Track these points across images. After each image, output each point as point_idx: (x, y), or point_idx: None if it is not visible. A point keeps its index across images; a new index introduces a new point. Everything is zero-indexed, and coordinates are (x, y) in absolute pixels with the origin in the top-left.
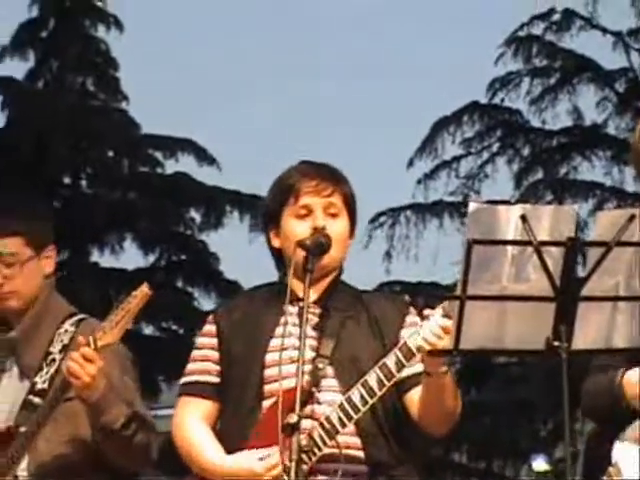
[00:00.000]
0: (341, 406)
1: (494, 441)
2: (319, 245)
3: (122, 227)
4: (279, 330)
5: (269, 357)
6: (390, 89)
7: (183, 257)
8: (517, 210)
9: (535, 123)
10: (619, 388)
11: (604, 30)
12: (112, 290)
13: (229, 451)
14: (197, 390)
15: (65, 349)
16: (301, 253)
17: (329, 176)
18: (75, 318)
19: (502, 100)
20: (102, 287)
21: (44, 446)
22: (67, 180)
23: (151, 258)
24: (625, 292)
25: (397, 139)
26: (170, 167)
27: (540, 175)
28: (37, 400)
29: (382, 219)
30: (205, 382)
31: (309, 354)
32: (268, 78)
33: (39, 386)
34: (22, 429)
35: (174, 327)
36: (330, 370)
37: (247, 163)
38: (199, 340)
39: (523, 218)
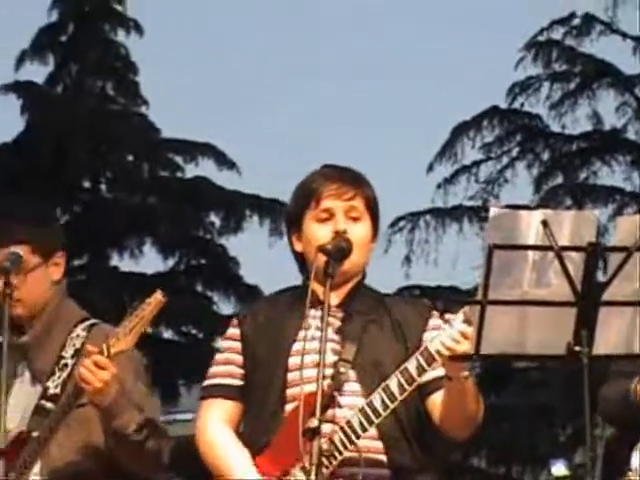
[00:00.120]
0: (362, 410)
1: (513, 446)
2: (340, 250)
3: (142, 231)
4: (302, 334)
5: (292, 361)
6: (412, 93)
7: (203, 261)
8: (538, 215)
9: (555, 128)
10: (635, 395)
11: (624, 35)
12: (130, 294)
13: (252, 454)
14: (220, 392)
15: (77, 354)
16: (322, 257)
17: (351, 179)
18: (87, 323)
19: (522, 105)
20: (121, 291)
21: (56, 452)
22: (87, 184)
23: (171, 262)
24: None
25: (417, 143)
26: (190, 171)
27: (560, 180)
28: (49, 405)
29: (402, 224)
30: (228, 385)
31: (331, 358)
32: (288, 80)
33: (51, 391)
34: (34, 434)
35: (194, 331)
36: (352, 374)
37: (267, 167)
38: (222, 343)
39: (544, 223)
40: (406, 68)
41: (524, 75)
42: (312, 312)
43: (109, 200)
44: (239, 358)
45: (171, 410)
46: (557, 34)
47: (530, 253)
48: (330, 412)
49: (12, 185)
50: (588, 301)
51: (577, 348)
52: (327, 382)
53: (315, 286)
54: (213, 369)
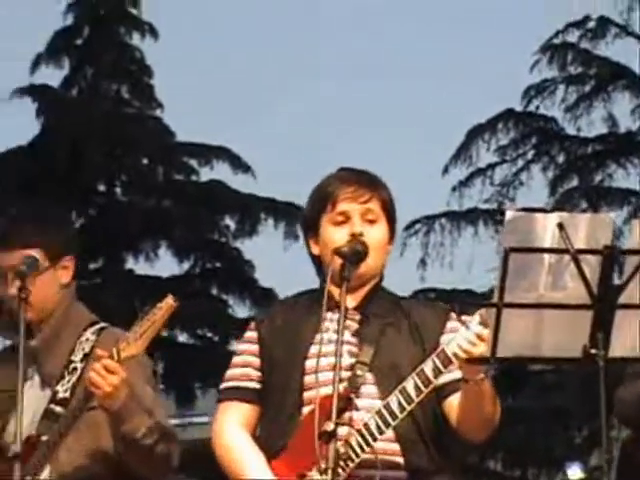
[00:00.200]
0: (379, 413)
1: (529, 449)
2: (356, 253)
3: (157, 235)
4: (319, 337)
5: (309, 363)
6: (429, 96)
7: (218, 265)
8: (554, 218)
9: (570, 130)
10: None
11: (639, 37)
12: (145, 298)
13: (268, 457)
14: (237, 395)
15: (86, 358)
16: (338, 260)
17: (367, 182)
18: (96, 327)
19: (537, 107)
20: (136, 295)
21: (65, 456)
22: (102, 188)
23: (186, 266)
24: None
25: (432, 146)
26: (205, 175)
27: (575, 183)
28: (58, 409)
29: (417, 227)
30: (246, 387)
31: (349, 361)
32: (302, 82)
33: (60, 395)
34: (44, 438)
35: (209, 335)
36: (370, 377)
37: (282, 170)
38: (240, 346)
39: (560, 226)
40: (422, 70)
41: (539, 78)
42: (329, 315)
43: (124, 203)
44: (256, 361)
45: (187, 413)
46: (572, 37)
47: (546, 256)
48: (347, 415)
49: (27, 188)
50: (604, 304)
51: (593, 351)
52: (344, 385)
53: (332, 289)
54: (230, 372)
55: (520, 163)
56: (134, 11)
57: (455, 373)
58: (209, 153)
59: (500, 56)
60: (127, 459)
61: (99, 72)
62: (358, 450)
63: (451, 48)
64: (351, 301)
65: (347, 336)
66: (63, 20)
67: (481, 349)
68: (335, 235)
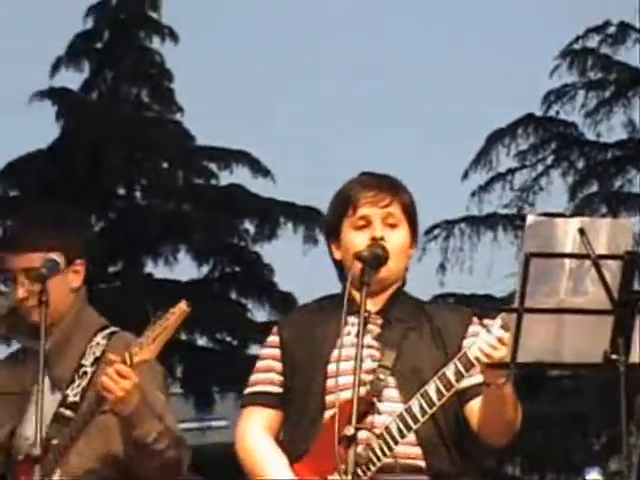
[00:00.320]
0: (400, 416)
1: (547, 454)
2: (376, 257)
3: (176, 238)
4: (340, 341)
5: (331, 367)
6: (449, 101)
7: (237, 268)
8: (575, 223)
9: (590, 136)
10: None
11: None
12: (164, 302)
13: (291, 461)
14: (261, 400)
15: (97, 362)
16: (359, 265)
17: (388, 186)
18: (107, 331)
19: (557, 113)
20: (155, 298)
21: (76, 460)
22: (121, 191)
23: (205, 269)
24: None
25: (452, 151)
26: (224, 179)
27: (595, 188)
28: (68, 413)
29: (436, 231)
30: (269, 392)
31: (370, 365)
32: (321, 84)
33: (71, 399)
34: (54, 442)
35: (228, 339)
36: (392, 381)
37: (301, 174)
38: (262, 351)
39: (581, 231)
40: (444, 75)
41: (559, 83)
42: (351, 319)
43: (144, 207)
44: (279, 365)
45: (205, 417)
46: (592, 42)
47: (567, 261)
48: (369, 418)
49: (47, 192)
50: (625, 309)
51: (614, 356)
52: (366, 388)
53: (354, 293)
54: (253, 377)
55: (540, 168)
56: (154, 15)
57: (477, 377)
58: (229, 157)
59: (520, 61)
60: (137, 464)
61: (119, 76)
62: (380, 454)
63: (472, 53)
64: (373, 305)
65: (369, 340)
66: (83, 23)
67: (502, 353)
68: (356, 239)
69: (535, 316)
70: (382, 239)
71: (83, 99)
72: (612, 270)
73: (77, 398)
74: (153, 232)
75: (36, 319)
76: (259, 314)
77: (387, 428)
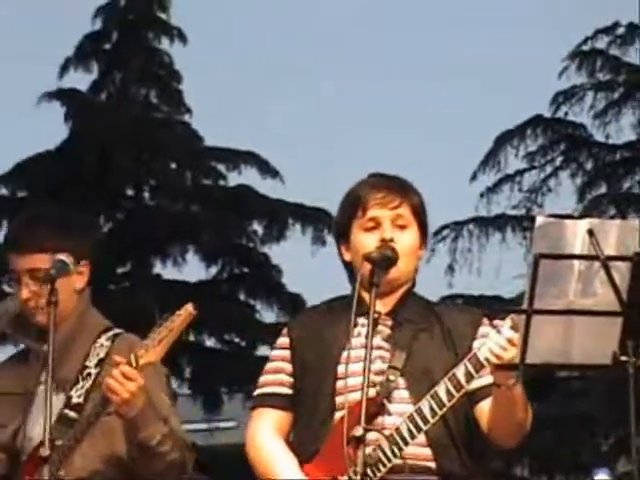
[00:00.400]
0: (411, 417)
1: (556, 455)
2: (385, 258)
3: (185, 239)
4: (351, 342)
5: (341, 368)
6: (457, 102)
7: (245, 270)
8: (584, 224)
9: (599, 137)
10: None
11: None
12: (172, 302)
13: (301, 462)
14: (270, 401)
15: (101, 363)
16: (368, 266)
17: (397, 188)
18: (111, 333)
19: (566, 114)
20: (164, 299)
21: (80, 461)
22: (130, 192)
23: (213, 270)
24: None
25: (461, 152)
26: (233, 180)
27: (603, 189)
28: (72, 414)
29: (445, 233)
30: (278, 394)
31: (381, 366)
32: (330, 85)
33: (75, 400)
34: (58, 443)
35: (236, 340)
36: (402, 382)
37: (310, 176)
38: (272, 353)
39: (590, 232)
40: (452, 76)
41: (568, 84)
42: (361, 320)
43: (152, 208)
44: (288, 367)
45: (213, 418)
46: (601, 43)
47: (576, 262)
48: (379, 419)
49: (55, 193)
50: (634, 311)
51: (623, 358)
52: (376, 389)
53: (363, 294)
54: (263, 378)
55: (548, 169)
56: (163, 16)
57: (487, 378)
58: (237, 158)
59: (529, 63)
60: (141, 466)
61: (128, 77)
62: (390, 455)
63: (481, 54)
64: (383, 306)
65: (379, 341)
66: (92, 24)
67: (512, 354)
68: (366, 241)
69: (544, 317)
70: (391, 240)
71: (92, 100)
72: (621, 271)
73: (81, 399)
74: (161, 233)
75: (39, 320)
76: (267, 315)
77: (397, 429)
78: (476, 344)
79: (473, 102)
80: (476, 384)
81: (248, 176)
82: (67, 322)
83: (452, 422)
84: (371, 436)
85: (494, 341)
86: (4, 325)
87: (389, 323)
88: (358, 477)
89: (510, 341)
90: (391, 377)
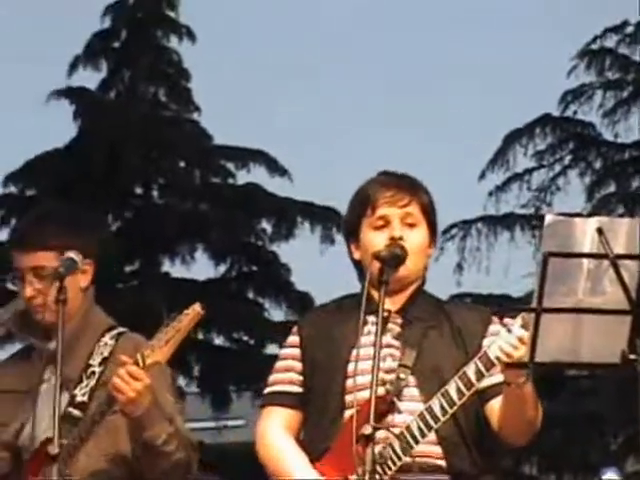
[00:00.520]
0: (421, 415)
1: (564, 454)
2: (394, 257)
3: (193, 237)
4: (360, 340)
5: (351, 367)
6: (467, 101)
7: (254, 268)
8: (593, 223)
9: (607, 136)
10: None
11: None
12: (181, 301)
13: (311, 460)
14: (280, 400)
15: (105, 362)
16: (377, 264)
17: (406, 186)
18: (115, 331)
19: (574, 113)
20: (172, 297)
21: (84, 460)
22: (139, 190)
23: (222, 269)
24: None
25: (469, 151)
26: (242, 178)
27: (612, 188)
28: (77, 413)
29: (453, 231)
30: (288, 392)
31: (391, 364)
32: (336, 83)
33: (79, 399)
34: (63, 442)
35: (245, 338)
36: (412, 380)
37: (319, 174)
38: (282, 351)
39: (599, 231)
40: (459, 76)
41: (577, 83)
42: (371, 318)
43: (161, 206)
44: (298, 365)
45: (222, 416)
46: (610, 42)
47: (585, 261)
48: (389, 418)
49: (64, 191)
50: None
51: (632, 356)
52: (386, 388)
53: (373, 293)
54: (273, 377)
55: (557, 168)
56: (172, 14)
57: (497, 376)
58: (246, 156)
59: (537, 61)
60: (146, 465)
61: (136, 75)
62: (400, 453)
63: (489, 52)
64: (393, 304)
65: (389, 339)
66: (101, 23)
67: (523, 352)
68: (375, 239)
69: (553, 316)
70: (401, 239)
71: (101, 98)
72: (630, 270)
73: (85, 398)
74: (170, 231)
75: (43, 318)
76: (276, 314)
77: (408, 427)
78: (486, 342)
79: (483, 101)
80: (486, 382)
81: (257, 174)
82: (72, 321)
83: (463, 420)
84: (381, 434)
85: (505, 340)
86: (10, 324)
87: (399, 321)
88: (367, 475)
89: (521, 340)
90: (401, 375)
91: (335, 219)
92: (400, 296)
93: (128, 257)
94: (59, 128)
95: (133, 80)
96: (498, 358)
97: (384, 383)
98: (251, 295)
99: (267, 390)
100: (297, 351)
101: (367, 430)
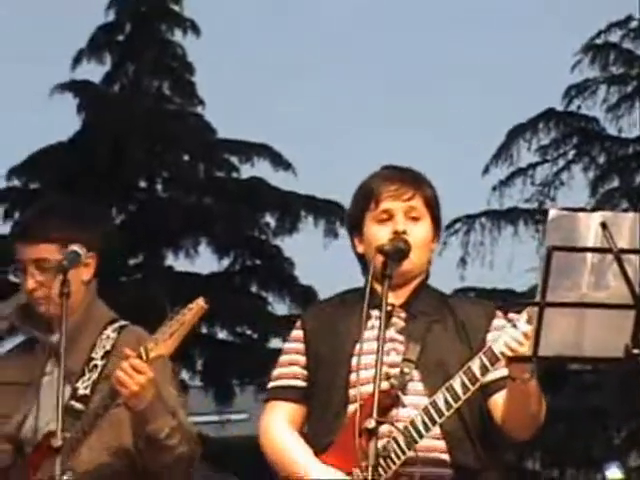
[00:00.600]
0: (426, 410)
1: (568, 449)
2: (398, 250)
3: (197, 231)
4: (364, 334)
5: (355, 361)
6: (471, 96)
7: (258, 262)
8: (597, 217)
9: (611, 131)
10: None
11: None
12: (184, 294)
13: (315, 454)
14: (284, 394)
15: (107, 355)
16: (380, 258)
17: (410, 180)
18: (117, 325)
19: (578, 107)
20: (176, 291)
21: (87, 454)
22: (143, 184)
23: (226, 262)
24: None
25: (472, 146)
26: (245, 172)
27: (616, 183)
28: (79, 406)
29: (457, 226)
30: (292, 386)
31: (395, 358)
32: (340, 77)
33: (81, 392)
34: (66, 434)
35: (248, 332)
36: (416, 374)
37: (323, 168)
38: (286, 345)
39: (603, 225)
40: (463, 77)
41: (581, 78)
42: (375, 312)
43: (165, 200)
44: (302, 359)
45: (225, 410)
46: (614, 37)
47: (589, 255)
48: (394, 412)
49: (68, 184)
50: None
51: (635, 351)
52: (390, 382)
53: (376, 287)
54: (277, 371)
55: (561, 163)
56: (176, 8)
57: (501, 371)
58: (250, 150)
59: (541, 56)
60: (149, 458)
61: (140, 68)
62: (404, 447)
63: (493, 47)
64: (397, 298)
65: (393, 333)
66: (105, 16)
67: (526, 348)
68: (378, 233)
69: (557, 310)
70: (404, 232)
71: (104, 92)
72: (634, 264)
73: (87, 391)
74: (174, 225)
75: (45, 310)
76: (279, 307)
77: (412, 422)
78: (490, 337)
79: (487, 95)
80: (490, 377)
81: (261, 168)
82: (74, 314)
83: (467, 415)
84: (384, 428)
85: (510, 335)
86: (13, 317)
87: (403, 315)
88: (370, 469)
89: (526, 335)
90: (405, 369)
91: (339, 213)
92: (404, 290)
93: (132, 250)
94: (63, 121)
95: (137, 74)
96: (503, 354)
97: (388, 377)
98: (254, 289)
99: (271, 384)
100: (301, 345)
101: (370, 424)
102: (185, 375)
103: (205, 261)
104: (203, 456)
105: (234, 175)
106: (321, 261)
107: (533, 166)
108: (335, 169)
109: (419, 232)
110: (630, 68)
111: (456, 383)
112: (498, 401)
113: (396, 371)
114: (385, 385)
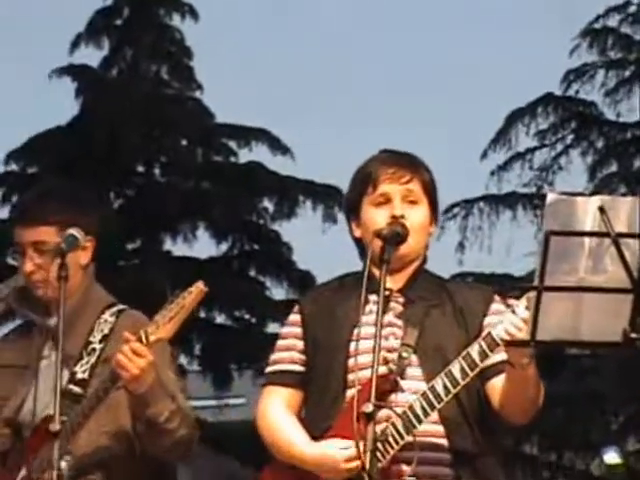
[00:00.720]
0: (424, 395)
1: (565, 433)
2: (396, 234)
3: (195, 216)
4: (362, 319)
5: (353, 346)
6: (470, 80)
7: (256, 246)
8: (595, 201)
9: (610, 115)
10: None
11: None
12: (183, 279)
13: (313, 439)
14: (282, 379)
15: (105, 339)
16: (378, 242)
17: (408, 163)
18: (115, 309)
19: (577, 92)
20: (174, 275)
21: (85, 437)
22: (140, 169)
23: (224, 247)
24: None
25: (471, 130)
26: (244, 156)
27: (614, 168)
28: (77, 389)
29: (455, 210)
30: (290, 371)
31: (393, 343)
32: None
33: (79, 376)
34: (64, 419)
35: (246, 316)
36: (414, 359)
37: (321, 152)
38: (284, 330)
39: (601, 209)
40: (465, 55)
41: (579, 62)
42: (373, 297)
43: (163, 184)
44: (300, 344)
45: (223, 395)
46: (613, 21)
47: (587, 239)
48: (392, 396)
49: (66, 169)
50: None
51: (633, 335)
52: (389, 367)
53: (375, 271)
54: (274, 356)
55: (559, 148)
56: None
57: (500, 355)
58: (248, 135)
59: (539, 41)
60: (148, 442)
61: (139, 53)
62: (403, 432)
63: (492, 32)
64: (395, 283)
65: (391, 318)
66: (103, 0)
67: (524, 334)
68: (376, 217)
69: (554, 294)
70: (402, 217)
71: (103, 76)
72: (632, 249)
73: (86, 375)
74: (172, 209)
75: (43, 293)
76: (277, 292)
77: (411, 407)
78: (488, 321)
79: (485, 80)
80: (488, 360)
81: (259, 153)
82: (72, 297)
83: (465, 399)
84: (383, 413)
85: (509, 321)
86: (10, 299)
87: (401, 300)
88: (368, 453)
89: (525, 321)
90: (404, 354)
91: (337, 198)
92: (401, 275)
93: (130, 235)
94: (61, 106)
95: (135, 58)
96: (502, 339)
97: (386, 362)
98: (252, 273)
99: (268, 369)
100: (298, 330)
101: (368, 408)
102: (183, 360)
103: (203, 246)
104: (201, 440)
105: (232, 160)
106: (319, 246)
107: (531, 151)
108: (333, 154)
109: (417, 216)
110: (628, 53)
111: (455, 369)
112: (496, 385)
113: (394, 356)
114: (383, 370)
